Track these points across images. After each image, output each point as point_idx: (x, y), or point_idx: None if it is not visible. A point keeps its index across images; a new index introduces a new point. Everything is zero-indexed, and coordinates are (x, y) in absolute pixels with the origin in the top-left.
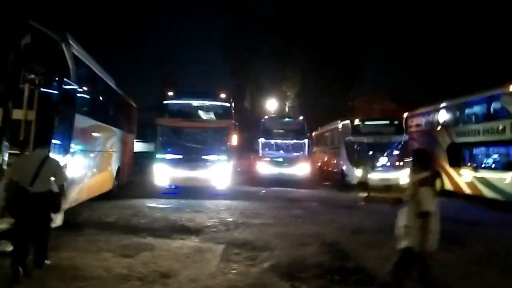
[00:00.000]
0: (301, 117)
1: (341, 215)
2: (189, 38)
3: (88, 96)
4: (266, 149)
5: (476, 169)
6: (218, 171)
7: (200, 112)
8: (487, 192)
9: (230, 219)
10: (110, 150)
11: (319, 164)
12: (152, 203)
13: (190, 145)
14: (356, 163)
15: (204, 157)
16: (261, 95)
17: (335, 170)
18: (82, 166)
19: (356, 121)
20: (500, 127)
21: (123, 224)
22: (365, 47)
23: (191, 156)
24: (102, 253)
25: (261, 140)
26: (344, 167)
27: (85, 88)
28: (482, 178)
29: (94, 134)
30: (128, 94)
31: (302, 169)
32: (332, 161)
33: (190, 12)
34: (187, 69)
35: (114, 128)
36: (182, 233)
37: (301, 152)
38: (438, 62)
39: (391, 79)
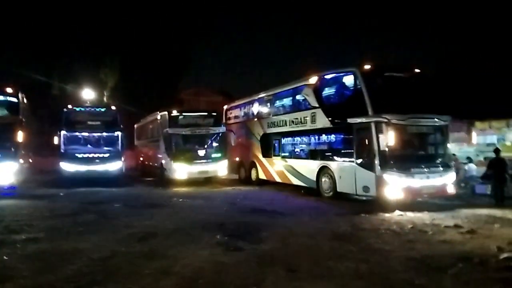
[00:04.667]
0: (113, 107)
1: (141, 217)
2: None
3: None
4: (70, 143)
5: (283, 158)
6: (2, 170)
7: None
8: (294, 180)
9: None
10: None
11: (141, 158)
12: None
13: None
14: (174, 156)
15: None
16: (75, 82)
17: (156, 164)
18: None
19: (174, 112)
20: (302, 118)
21: None
22: (194, 41)
23: None
24: None
25: (63, 133)
26: (163, 161)
27: None
28: (289, 166)
29: None
30: None
31: (115, 165)
32: (153, 155)
33: None
34: None
35: None
36: None
37: (114, 146)
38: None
39: (221, 74)
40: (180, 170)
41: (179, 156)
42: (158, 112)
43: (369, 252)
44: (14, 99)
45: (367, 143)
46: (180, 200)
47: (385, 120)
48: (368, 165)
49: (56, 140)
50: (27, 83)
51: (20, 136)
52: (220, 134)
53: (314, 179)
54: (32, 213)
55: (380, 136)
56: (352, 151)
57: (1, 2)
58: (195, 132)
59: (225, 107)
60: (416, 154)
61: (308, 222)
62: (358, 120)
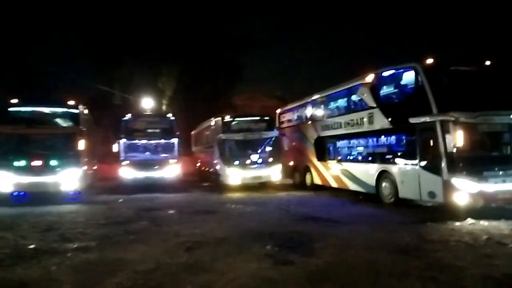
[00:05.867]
0: (169, 115)
1: (192, 224)
2: (48, 33)
3: None
4: (129, 151)
5: (339, 162)
6: (66, 176)
7: (45, 118)
8: (351, 185)
9: (32, 246)
10: None
11: (198, 164)
12: None
13: (35, 151)
14: (227, 162)
15: (49, 162)
16: (135, 92)
17: (211, 170)
18: None
19: (227, 118)
20: (359, 119)
21: None
22: (246, 47)
23: (35, 162)
24: None
25: (123, 141)
26: (217, 167)
27: None
28: (346, 170)
29: None
30: None
31: (172, 171)
32: (208, 161)
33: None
34: (47, 65)
35: None
36: None
37: (171, 153)
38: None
39: (275, 78)
40: (234, 175)
41: (232, 161)
42: (212, 119)
43: (437, 269)
44: (75, 111)
45: (432, 144)
46: (233, 206)
47: (452, 119)
48: (433, 169)
49: (115, 147)
50: (93, 94)
51: (81, 144)
52: (274, 139)
53: (373, 184)
54: (89, 220)
55: (447, 136)
56: (415, 153)
57: (68, 20)
58: (248, 137)
59: (278, 111)
60: (489, 155)
61: (367, 232)
62: (421, 119)
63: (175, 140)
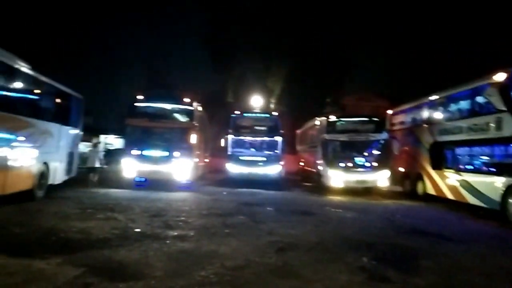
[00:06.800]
0: (275, 113)
1: (288, 224)
2: (172, 34)
3: None
4: (236, 147)
5: (458, 171)
6: (179, 167)
7: (165, 114)
8: (470, 198)
9: (138, 230)
10: (22, 145)
11: (301, 163)
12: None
13: (154, 142)
14: (330, 163)
15: (166, 153)
16: (246, 91)
17: (314, 170)
18: None
19: (332, 118)
20: (484, 124)
21: None
22: (356, 45)
23: (154, 152)
24: None
25: (230, 137)
26: (320, 167)
27: None
28: (465, 181)
29: None
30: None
31: (275, 169)
32: (311, 161)
33: (172, 7)
34: (171, 65)
35: (28, 119)
36: (50, 252)
37: (274, 151)
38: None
39: (385, 78)
40: (336, 178)
41: (335, 163)
42: (316, 118)
43: None
44: (190, 107)
45: None
46: (332, 210)
47: None
48: None
49: (223, 142)
50: (209, 92)
51: (194, 138)
52: (382, 141)
53: (498, 199)
54: (193, 209)
55: None
56: None
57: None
58: (354, 139)
59: (389, 112)
60: None
61: (486, 254)
62: None
63: (279, 138)
